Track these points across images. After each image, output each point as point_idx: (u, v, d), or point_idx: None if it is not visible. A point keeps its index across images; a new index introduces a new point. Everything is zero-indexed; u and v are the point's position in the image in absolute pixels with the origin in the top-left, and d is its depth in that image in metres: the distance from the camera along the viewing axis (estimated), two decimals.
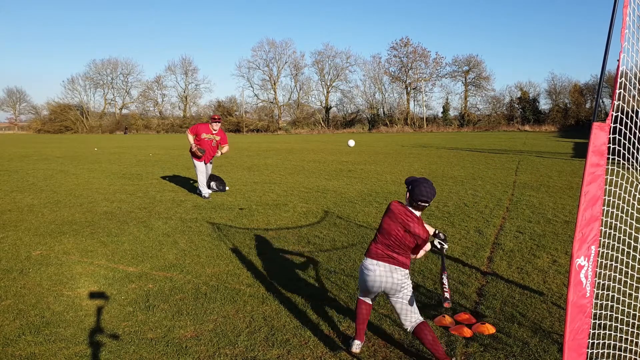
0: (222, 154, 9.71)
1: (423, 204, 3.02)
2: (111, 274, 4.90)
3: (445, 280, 3.13)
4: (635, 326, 3.40)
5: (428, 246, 3.22)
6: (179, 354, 3.28)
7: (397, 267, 3.07)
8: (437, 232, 3.34)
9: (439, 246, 3.29)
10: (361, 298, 3.27)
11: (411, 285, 3.15)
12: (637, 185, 2.92)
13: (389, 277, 3.06)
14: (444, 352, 3.00)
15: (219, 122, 9.35)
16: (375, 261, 3.09)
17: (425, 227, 3.11)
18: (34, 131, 66.32)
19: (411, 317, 3.10)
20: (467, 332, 3.50)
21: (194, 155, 9.33)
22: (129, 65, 69.28)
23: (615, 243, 3.07)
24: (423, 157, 18.21)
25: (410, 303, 3.11)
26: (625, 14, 2.18)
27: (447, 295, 3.06)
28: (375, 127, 54.57)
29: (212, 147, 9.44)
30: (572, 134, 35.20)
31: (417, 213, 3.07)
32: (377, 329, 3.63)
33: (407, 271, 3.12)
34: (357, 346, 3.23)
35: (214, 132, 9.36)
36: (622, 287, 3.54)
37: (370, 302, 3.29)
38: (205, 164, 9.45)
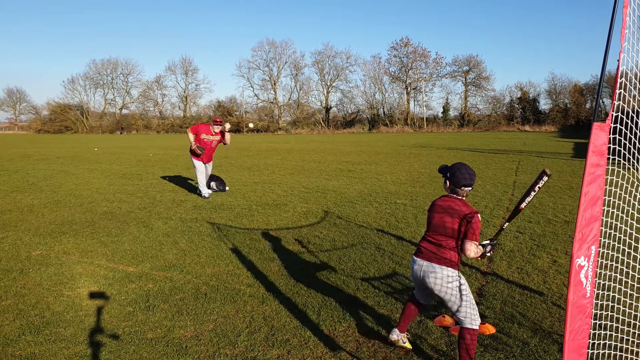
0: (229, 141, 9.74)
1: (467, 188, 2.99)
2: (111, 274, 4.90)
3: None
4: (637, 327, 3.40)
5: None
6: (179, 354, 3.28)
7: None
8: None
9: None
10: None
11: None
12: (637, 185, 2.92)
13: None
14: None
15: (220, 125, 9.45)
16: None
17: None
18: (34, 131, 66.38)
19: None
20: None
21: (193, 153, 9.38)
22: (129, 65, 69.40)
23: (616, 243, 3.07)
24: (423, 157, 18.21)
25: None
26: (625, 14, 2.18)
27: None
28: (375, 127, 54.55)
29: (212, 147, 9.54)
30: (572, 134, 35.19)
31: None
32: (377, 329, 3.63)
33: None
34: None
35: (214, 133, 9.45)
36: (622, 287, 3.54)
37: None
38: (204, 163, 9.48)
